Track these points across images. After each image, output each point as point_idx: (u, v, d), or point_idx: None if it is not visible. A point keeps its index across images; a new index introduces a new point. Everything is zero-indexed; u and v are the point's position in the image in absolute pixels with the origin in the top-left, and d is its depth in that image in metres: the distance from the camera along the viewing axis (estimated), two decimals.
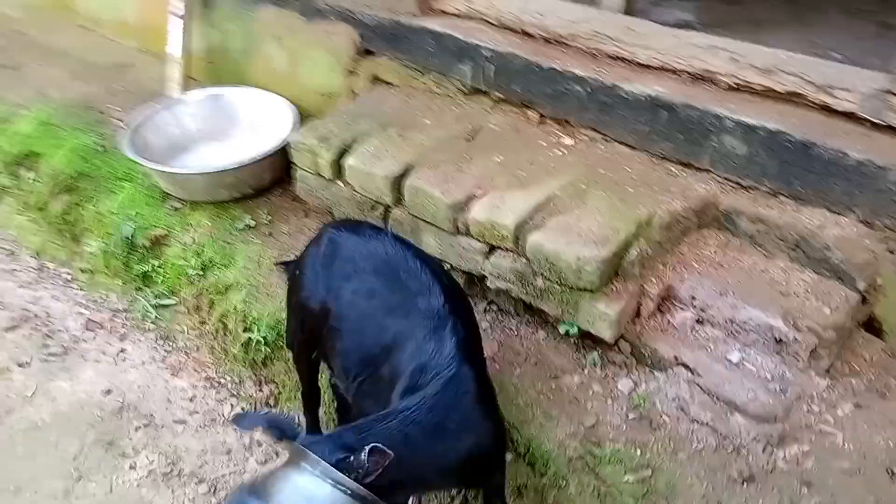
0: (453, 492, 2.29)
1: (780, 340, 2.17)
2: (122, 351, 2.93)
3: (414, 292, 1.87)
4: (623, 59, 2.72)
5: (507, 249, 2.40)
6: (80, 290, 3.21)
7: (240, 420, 1.73)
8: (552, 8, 2.87)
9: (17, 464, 2.45)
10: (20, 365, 2.84)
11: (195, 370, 2.83)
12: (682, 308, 2.31)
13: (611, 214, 2.34)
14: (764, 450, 2.05)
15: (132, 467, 2.43)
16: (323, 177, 2.85)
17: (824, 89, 2.32)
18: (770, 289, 2.25)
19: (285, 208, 3.09)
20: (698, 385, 2.20)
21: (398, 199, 2.65)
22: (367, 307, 1.92)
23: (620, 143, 2.69)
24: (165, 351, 2.93)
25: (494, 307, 2.62)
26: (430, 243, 2.63)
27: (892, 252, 2.21)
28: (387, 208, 2.72)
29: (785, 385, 2.14)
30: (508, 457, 2.11)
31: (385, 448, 1.45)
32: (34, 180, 3.39)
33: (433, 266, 1.99)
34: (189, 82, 3.56)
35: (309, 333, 2.08)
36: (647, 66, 2.67)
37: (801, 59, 2.42)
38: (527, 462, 2.15)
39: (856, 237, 2.23)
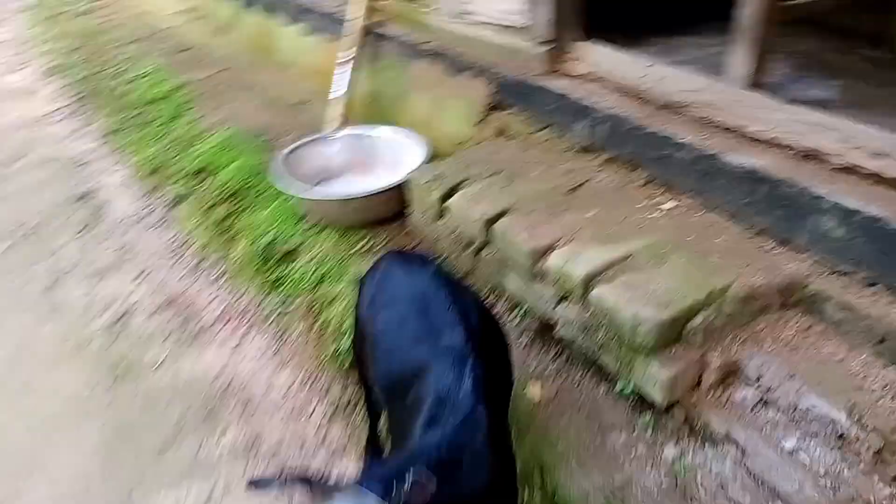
0: None
1: (842, 436, 2.03)
2: (243, 341, 3.33)
3: (439, 327, 1.93)
4: (732, 130, 2.71)
5: (574, 300, 2.47)
6: (225, 285, 3.69)
7: (258, 484, 1.64)
8: (674, 76, 2.93)
9: (130, 418, 2.88)
10: (161, 340, 3.33)
11: (296, 368, 3.14)
12: (745, 385, 2.23)
13: (684, 280, 2.33)
14: None
15: (221, 438, 2.76)
16: (430, 212, 3.09)
17: None
18: (843, 380, 2.11)
19: (400, 238, 3.36)
20: (745, 466, 2.11)
21: (487, 241, 2.82)
22: (397, 336, 2.00)
23: (717, 211, 2.66)
24: (277, 347, 3.28)
25: (564, 355, 2.67)
26: (511, 286, 2.76)
27: None
28: (479, 248, 2.89)
29: (838, 483, 1.99)
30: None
31: (428, 474, 1.48)
32: (207, 189, 3.97)
33: (465, 301, 2.03)
34: (347, 121, 4.00)
35: (359, 354, 2.25)
36: (756, 139, 2.64)
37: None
38: None
39: None
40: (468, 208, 2.87)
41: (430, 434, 1.76)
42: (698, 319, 2.24)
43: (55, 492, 2.58)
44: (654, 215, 2.73)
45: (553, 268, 2.51)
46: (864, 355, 2.17)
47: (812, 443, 2.07)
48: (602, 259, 2.46)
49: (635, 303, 2.25)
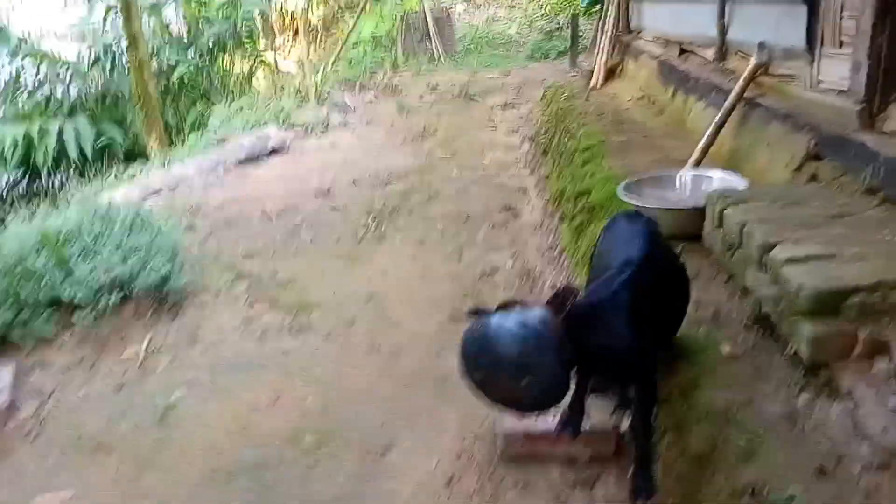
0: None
1: None
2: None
3: (629, 250, 2.81)
4: None
5: (773, 279, 2.99)
6: (564, 268, 4.90)
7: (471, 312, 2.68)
8: None
9: None
10: (503, 289, 4.72)
11: None
12: (886, 360, 2.51)
13: (863, 271, 2.71)
14: (862, 469, 2.23)
15: None
16: (713, 223, 3.81)
17: None
18: None
19: (696, 249, 4.10)
20: (851, 413, 2.43)
21: (740, 243, 3.44)
22: (606, 253, 2.96)
23: None
24: None
25: (765, 329, 3.11)
26: (749, 277, 3.34)
27: None
28: (734, 248, 3.52)
29: None
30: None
31: (571, 287, 2.59)
32: (580, 206, 5.29)
33: (657, 242, 2.88)
34: (698, 165, 4.88)
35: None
36: None
37: None
38: (682, 404, 2.80)
39: None
40: (735, 216, 3.55)
41: (588, 299, 2.73)
42: (857, 298, 2.62)
43: None
44: (892, 240, 3.03)
45: (771, 257, 3.08)
46: None
47: None
48: (808, 252, 2.95)
49: (806, 276, 2.75)
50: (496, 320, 2.49)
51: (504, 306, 2.59)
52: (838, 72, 3.98)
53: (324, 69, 11.61)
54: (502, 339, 2.44)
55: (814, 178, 3.97)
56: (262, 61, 11.85)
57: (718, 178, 4.51)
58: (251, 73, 11.48)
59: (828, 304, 2.67)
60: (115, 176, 7.24)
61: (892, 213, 3.26)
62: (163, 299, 4.33)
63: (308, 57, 12.81)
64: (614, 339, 2.65)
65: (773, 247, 3.11)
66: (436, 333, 4.12)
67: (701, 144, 4.99)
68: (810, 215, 3.39)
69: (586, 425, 3.05)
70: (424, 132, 8.94)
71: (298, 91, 10.10)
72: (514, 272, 4.98)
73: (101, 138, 9.03)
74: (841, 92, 3.95)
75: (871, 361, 2.58)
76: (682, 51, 7.07)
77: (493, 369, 2.49)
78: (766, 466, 2.38)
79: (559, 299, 2.56)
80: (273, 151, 8.09)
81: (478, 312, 2.61)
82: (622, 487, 2.86)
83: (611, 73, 9.37)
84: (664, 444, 2.90)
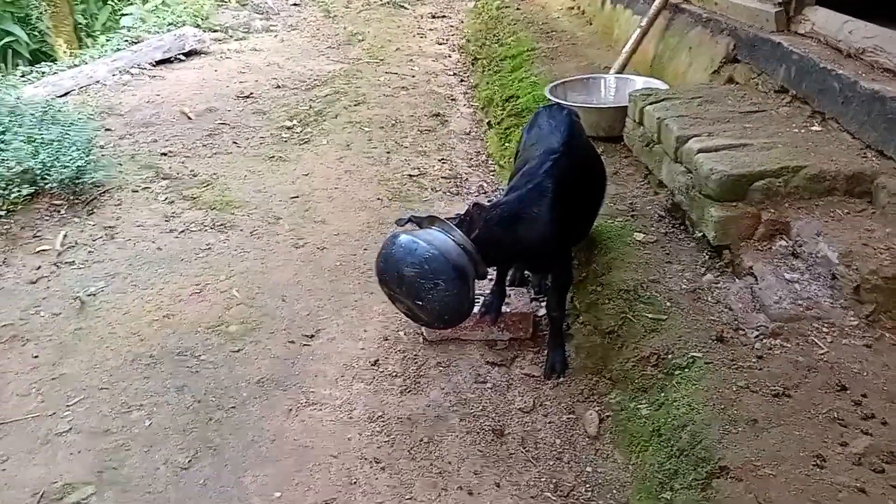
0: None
1: (834, 276, 2.43)
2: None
3: (551, 140, 2.87)
4: (891, 71, 3.02)
5: (687, 168, 3.13)
6: (490, 173, 4.97)
7: (400, 221, 2.71)
8: (862, 27, 3.28)
9: None
10: (433, 191, 4.75)
11: None
12: (785, 239, 2.69)
13: (769, 159, 2.86)
14: (758, 336, 2.42)
15: None
16: (634, 120, 3.91)
17: None
18: (857, 241, 2.47)
19: (617, 149, 4.20)
20: (751, 288, 2.62)
21: (659, 138, 3.56)
22: (531, 146, 3.01)
23: (846, 132, 3.02)
24: None
25: (678, 218, 3.27)
26: (663, 171, 3.46)
27: None
28: (652, 143, 3.64)
29: (811, 305, 2.41)
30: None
31: (480, 204, 2.61)
32: (508, 112, 5.32)
33: (577, 134, 2.94)
34: (622, 71, 4.96)
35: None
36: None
37: None
38: (595, 285, 2.94)
39: None
40: (654, 112, 3.64)
41: (511, 195, 2.78)
42: (762, 183, 2.77)
43: None
44: (798, 132, 3.19)
45: (685, 148, 3.20)
46: (890, 229, 2.48)
47: (808, 276, 2.51)
48: (721, 143, 3.08)
49: (717, 163, 2.88)
50: (403, 240, 2.48)
51: (421, 223, 2.61)
52: None
53: None
54: (407, 260, 2.45)
55: (731, 80, 4.09)
56: None
57: (642, 82, 4.60)
58: None
59: (735, 188, 2.81)
60: (23, 75, 6.78)
61: (802, 110, 3.41)
62: (78, 194, 4.17)
63: None
64: (537, 228, 2.71)
65: (688, 139, 3.23)
66: (361, 231, 4.14)
67: (625, 50, 5.04)
68: (725, 112, 3.51)
69: (506, 310, 3.18)
70: (351, 39, 8.67)
71: None
72: (440, 175, 5.00)
73: (2, 37, 8.39)
74: None
75: (771, 241, 2.75)
76: None
77: (397, 287, 2.53)
78: (669, 337, 2.55)
79: (470, 218, 2.58)
80: (191, 53, 7.71)
81: (410, 221, 2.62)
82: (538, 365, 3.01)
83: None
84: (578, 323, 3.05)
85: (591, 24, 7.28)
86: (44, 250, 3.78)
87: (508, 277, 3.29)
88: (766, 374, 2.25)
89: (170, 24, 8.17)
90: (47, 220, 4.02)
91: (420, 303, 2.47)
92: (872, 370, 2.22)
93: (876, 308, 2.33)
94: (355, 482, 2.51)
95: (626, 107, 4.10)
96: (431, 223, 2.59)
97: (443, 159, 5.27)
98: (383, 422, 2.77)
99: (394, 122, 5.94)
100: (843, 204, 2.71)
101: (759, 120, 3.36)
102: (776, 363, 2.30)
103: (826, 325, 2.37)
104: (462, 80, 7.26)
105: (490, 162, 5.20)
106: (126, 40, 7.69)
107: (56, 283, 3.56)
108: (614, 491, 2.40)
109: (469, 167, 5.17)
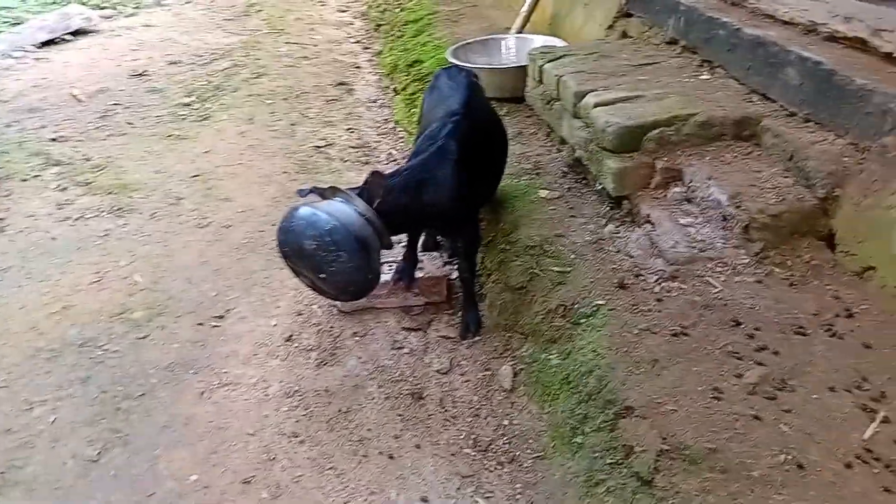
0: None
1: (725, 218, 2.53)
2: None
3: (451, 102, 2.87)
4: (772, 17, 3.15)
5: (586, 124, 3.18)
6: (399, 139, 4.93)
7: (301, 192, 2.60)
8: None
9: None
10: (343, 161, 4.68)
11: None
12: (679, 186, 2.79)
13: (660, 108, 2.94)
14: (657, 280, 2.50)
15: None
16: (534, 79, 3.95)
17: (876, 33, 2.51)
18: (744, 181, 2.58)
19: (520, 109, 4.24)
20: (649, 235, 2.70)
21: (558, 95, 3.60)
22: (432, 110, 3.00)
23: (732, 79, 3.14)
24: None
25: (580, 175, 3.35)
26: (564, 127, 3.52)
27: (862, 172, 2.33)
28: (552, 100, 3.68)
29: (705, 247, 2.51)
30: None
31: (380, 172, 2.55)
32: (413, 76, 5.27)
33: (476, 96, 2.95)
34: (521, 31, 4.98)
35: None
36: (784, 22, 3.06)
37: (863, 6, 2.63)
38: (504, 244, 2.99)
39: (837, 153, 2.42)
40: (553, 70, 3.68)
41: (414, 160, 2.75)
42: (655, 132, 2.85)
43: None
44: (688, 81, 3.29)
45: (583, 103, 3.25)
46: (776, 170, 2.60)
47: (701, 220, 2.61)
48: (616, 96, 3.14)
49: (613, 116, 2.94)
50: (303, 212, 2.40)
51: (324, 194, 2.53)
52: None
53: None
54: (307, 232, 2.37)
55: (625, 34, 4.17)
56: None
57: (541, 41, 4.64)
58: None
59: (630, 139, 2.88)
60: None
61: (691, 59, 3.51)
62: None
63: None
64: (442, 191, 2.69)
65: (585, 94, 3.27)
66: (268, 207, 4.05)
67: (523, 10, 5.06)
68: (619, 66, 3.58)
69: (420, 275, 3.19)
70: (249, 9, 8.37)
71: None
72: (348, 145, 4.93)
73: None
74: None
75: (666, 189, 2.84)
76: None
77: (299, 260, 2.47)
78: (575, 287, 2.61)
79: (371, 188, 2.51)
80: (79, 33, 7.29)
81: (312, 192, 2.54)
82: (454, 327, 3.04)
83: None
84: (490, 282, 3.09)
85: None
86: None
87: (421, 242, 3.30)
88: (666, 316, 2.34)
89: (53, 2, 7.70)
90: None
91: (323, 276, 2.42)
92: (764, 304, 2.34)
93: (765, 245, 2.44)
94: (274, 458, 2.48)
95: (527, 66, 4.14)
96: (333, 194, 2.53)
97: (350, 128, 5.19)
98: (300, 396, 2.75)
99: (297, 93, 5.81)
100: (731, 148, 2.81)
101: (652, 72, 3.44)
102: (674, 304, 2.39)
103: (719, 264, 2.47)
104: (366, 48, 7.14)
105: (398, 129, 5.15)
106: (6, 22, 7.21)
107: None
108: (530, 440, 2.46)
109: (377, 135, 5.12)
